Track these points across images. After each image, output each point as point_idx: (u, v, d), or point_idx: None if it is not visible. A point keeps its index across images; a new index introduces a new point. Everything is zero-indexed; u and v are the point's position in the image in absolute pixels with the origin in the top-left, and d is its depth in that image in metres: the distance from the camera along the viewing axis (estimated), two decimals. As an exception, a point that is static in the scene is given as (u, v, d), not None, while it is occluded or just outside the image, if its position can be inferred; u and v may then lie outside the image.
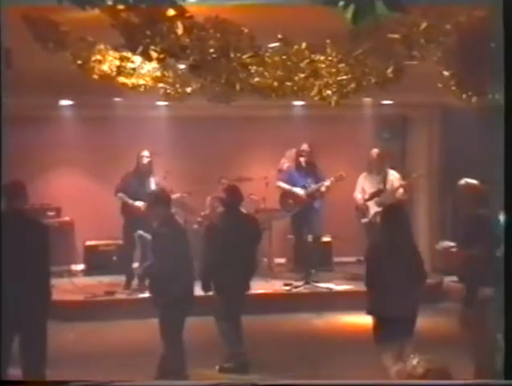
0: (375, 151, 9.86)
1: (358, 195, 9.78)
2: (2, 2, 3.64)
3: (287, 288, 9.32)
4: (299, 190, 9.79)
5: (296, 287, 9.28)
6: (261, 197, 10.00)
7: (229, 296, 6.57)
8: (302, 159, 9.93)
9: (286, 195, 9.96)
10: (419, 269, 5.78)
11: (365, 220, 9.63)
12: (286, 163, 10.24)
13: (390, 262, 5.56)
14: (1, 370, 5.08)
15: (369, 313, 5.78)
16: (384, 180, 9.65)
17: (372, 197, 9.61)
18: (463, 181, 6.20)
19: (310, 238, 9.96)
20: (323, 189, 9.70)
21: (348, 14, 2.74)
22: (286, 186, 9.93)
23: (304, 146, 9.95)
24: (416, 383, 5.33)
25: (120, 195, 9.14)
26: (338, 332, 8.07)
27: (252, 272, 6.99)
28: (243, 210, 7.28)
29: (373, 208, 9.51)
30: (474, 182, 6.16)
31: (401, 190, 9.59)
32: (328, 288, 9.36)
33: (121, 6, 4.03)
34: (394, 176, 9.76)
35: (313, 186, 9.73)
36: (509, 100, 3.64)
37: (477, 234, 5.87)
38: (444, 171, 10.55)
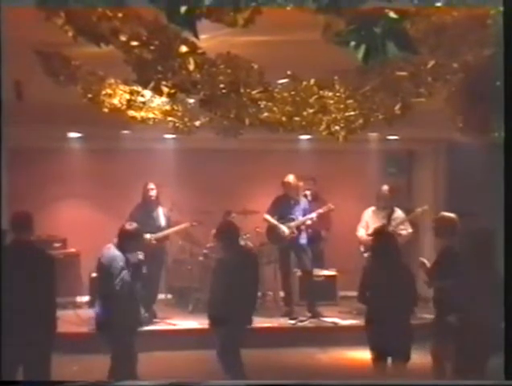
0: (385, 187, 9.83)
1: (361, 230, 9.76)
2: (2, 2, 3.68)
3: (293, 322, 9.28)
4: (286, 224, 9.58)
5: (301, 321, 9.25)
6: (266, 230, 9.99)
7: (231, 330, 6.52)
8: (289, 192, 9.72)
9: (272, 228, 9.77)
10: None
11: (367, 254, 9.62)
12: None
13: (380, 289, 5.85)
14: (1, 370, 5.05)
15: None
16: (389, 216, 9.63)
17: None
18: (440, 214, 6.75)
19: (299, 272, 9.93)
20: (308, 222, 9.59)
21: (360, 53, 2.77)
22: (272, 220, 9.71)
23: (289, 178, 9.73)
24: (416, 383, 5.36)
25: (128, 228, 9.09)
26: (343, 367, 8.01)
27: (253, 305, 6.93)
28: (242, 243, 7.24)
29: (377, 243, 9.47)
30: (451, 215, 6.58)
31: (405, 226, 9.58)
32: (333, 322, 9.32)
33: (134, 43, 4.09)
34: (398, 212, 9.74)
35: (300, 219, 9.56)
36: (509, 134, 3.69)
37: (448, 265, 6.15)
38: (449, 206, 10.53)
